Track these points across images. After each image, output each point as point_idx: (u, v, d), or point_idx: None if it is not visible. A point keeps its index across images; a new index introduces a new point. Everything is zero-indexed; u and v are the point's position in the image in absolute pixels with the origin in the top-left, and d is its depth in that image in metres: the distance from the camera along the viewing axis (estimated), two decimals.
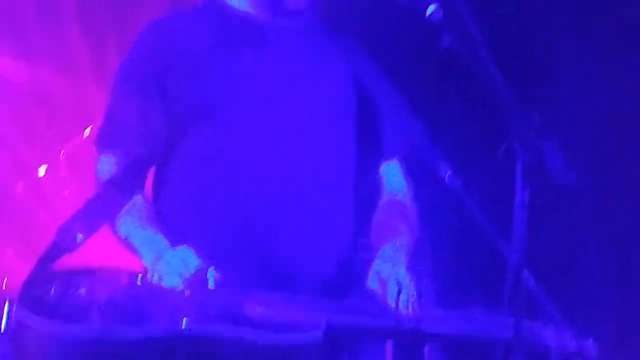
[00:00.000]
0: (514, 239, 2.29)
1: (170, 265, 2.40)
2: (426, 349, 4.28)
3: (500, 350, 2.42)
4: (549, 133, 2.37)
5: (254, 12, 2.73)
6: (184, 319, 2.34)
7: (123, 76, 2.75)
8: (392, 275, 2.49)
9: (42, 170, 4.77)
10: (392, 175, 2.82)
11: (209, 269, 2.42)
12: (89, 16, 5.15)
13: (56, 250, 2.48)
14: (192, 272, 2.40)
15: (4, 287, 3.75)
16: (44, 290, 2.40)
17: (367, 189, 2.80)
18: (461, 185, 2.63)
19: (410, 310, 2.45)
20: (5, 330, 2.41)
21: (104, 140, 2.75)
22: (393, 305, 2.45)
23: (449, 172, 2.65)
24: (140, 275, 2.46)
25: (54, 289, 2.41)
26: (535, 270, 2.39)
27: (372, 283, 2.50)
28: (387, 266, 2.52)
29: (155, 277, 2.41)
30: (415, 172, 2.84)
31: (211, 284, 2.42)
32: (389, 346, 4.01)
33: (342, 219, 2.71)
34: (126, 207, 2.63)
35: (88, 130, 4.31)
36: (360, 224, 2.76)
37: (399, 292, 2.46)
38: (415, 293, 2.48)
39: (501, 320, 2.36)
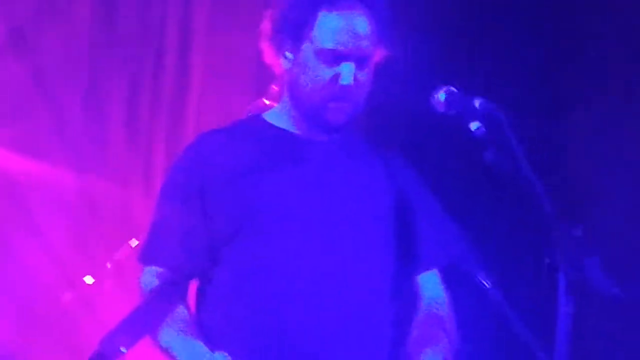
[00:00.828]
0: (556, 352, 2.27)
1: None
2: None
3: None
4: (592, 246, 2.37)
5: (297, 130, 2.75)
6: None
7: (167, 191, 2.78)
8: None
9: (89, 280, 4.78)
10: (431, 285, 2.80)
11: None
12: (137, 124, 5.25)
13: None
14: None
15: None
16: None
17: (404, 300, 2.78)
18: (502, 296, 2.60)
19: None
20: None
21: (148, 255, 2.77)
22: None
23: (489, 283, 2.63)
24: None
25: None
26: None
27: None
28: None
29: None
30: (454, 282, 2.82)
31: None
32: None
33: (380, 330, 2.69)
34: (168, 319, 2.63)
35: (134, 241, 4.32)
36: (398, 333, 2.73)
37: None
38: None
39: None
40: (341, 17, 2.63)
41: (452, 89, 2.55)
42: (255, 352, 2.58)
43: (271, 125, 2.78)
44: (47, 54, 5.09)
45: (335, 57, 2.63)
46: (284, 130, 2.76)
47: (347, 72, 2.62)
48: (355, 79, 2.63)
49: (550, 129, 4.35)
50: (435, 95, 2.56)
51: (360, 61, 2.64)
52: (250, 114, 2.93)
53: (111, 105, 5.28)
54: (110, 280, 4.76)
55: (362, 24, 2.64)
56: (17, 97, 5.07)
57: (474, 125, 2.49)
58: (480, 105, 2.52)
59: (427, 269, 2.79)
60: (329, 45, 2.62)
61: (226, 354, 2.48)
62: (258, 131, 2.78)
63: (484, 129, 2.48)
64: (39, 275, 4.90)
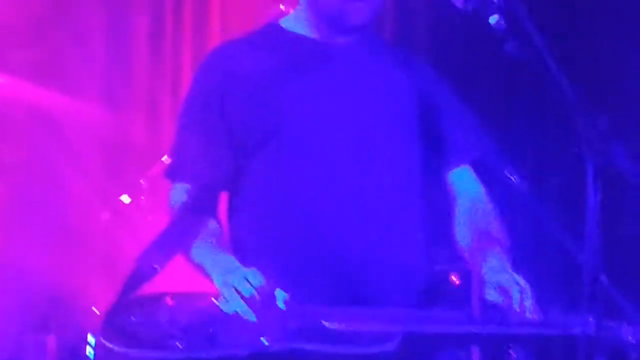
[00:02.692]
0: (587, 241, 2.26)
1: (234, 286, 2.39)
2: (512, 352, 4.25)
3: (582, 349, 2.38)
4: (618, 135, 2.35)
5: (314, 34, 2.70)
6: (263, 338, 2.34)
7: (187, 107, 2.75)
8: (514, 283, 2.45)
9: (125, 199, 4.82)
10: (467, 180, 2.77)
11: (277, 290, 2.41)
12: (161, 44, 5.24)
13: (136, 279, 2.50)
14: (255, 292, 2.38)
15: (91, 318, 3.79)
16: (125, 319, 2.42)
17: (436, 198, 2.75)
18: (528, 189, 2.59)
19: (533, 314, 2.43)
20: (92, 358, 2.43)
21: (174, 171, 2.75)
22: (518, 310, 2.42)
23: (515, 177, 2.62)
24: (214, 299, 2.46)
25: (135, 317, 2.43)
26: (611, 271, 2.35)
27: (490, 294, 2.46)
28: (504, 276, 2.48)
29: (222, 300, 2.40)
30: (482, 178, 2.80)
31: (281, 305, 2.41)
32: (475, 352, 3.98)
33: (411, 230, 2.67)
34: (198, 234, 2.63)
35: (165, 157, 4.34)
36: (431, 234, 2.72)
37: (522, 299, 2.43)
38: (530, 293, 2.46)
39: (580, 320, 2.29)
40: None
41: None
42: (290, 262, 2.57)
43: (288, 32, 2.73)
44: None
45: None
46: (301, 35, 2.71)
47: None
48: None
49: (573, 14, 4.27)
50: None
51: None
52: (267, 22, 2.87)
53: (134, 29, 5.28)
54: (145, 196, 4.80)
55: None
56: (38, 22, 5.07)
57: (492, 19, 2.43)
58: None
59: (458, 165, 2.75)
60: None
61: (257, 270, 2.45)
62: (275, 39, 2.73)
63: (503, 22, 2.42)
64: (78, 199, 4.95)
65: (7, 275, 4.87)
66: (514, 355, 4.23)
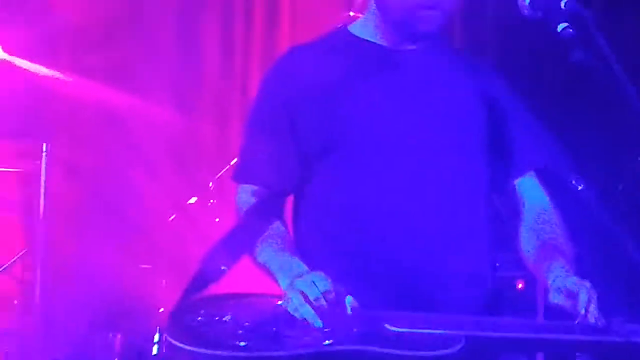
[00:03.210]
0: None
1: (301, 290, 2.39)
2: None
3: None
4: None
5: (383, 41, 2.70)
6: (327, 340, 2.34)
7: (255, 111, 2.76)
8: (582, 287, 2.42)
9: (193, 200, 4.85)
10: (532, 189, 2.73)
11: (347, 297, 2.41)
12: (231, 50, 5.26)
13: (201, 280, 2.52)
14: (322, 297, 2.38)
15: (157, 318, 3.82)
16: (191, 319, 2.43)
17: (502, 205, 2.74)
18: (594, 196, 2.56)
19: (598, 320, 2.40)
20: (157, 356, 2.45)
21: (241, 173, 2.76)
22: (583, 312, 2.39)
23: (581, 185, 2.59)
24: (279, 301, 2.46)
25: (201, 317, 2.44)
26: None
27: (556, 298, 2.44)
28: (570, 279, 2.46)
29: (288, 303, 2.40)
30: (547, 185, 2.78)
31: (348, 310, 2.41)
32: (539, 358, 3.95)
33: (478, 237, 2.65)
34: (264, 235, 2.63)
35: (234, 160, 4.38)
36: (496, 241, 2.70)
37: (589, 302, 2.40)
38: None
39: None
40: None
41: None
42: (354, 267, 2.57)
43: (357, 38, 2.72)
44: None
45: None
46: (370, 41, 2.70)
47: None
48: None
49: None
50: None
51: None
52: (335, 28, 2.88)
53: (204, 34, 5.32)
54: (214, 199, 4.83)
55: None
56: (111, 28, 5.13)
57: (560, 27, 2.41)
58: (566, 4, 2.44)
59: (523, 172, 2.72)
60: None
61: (323, 274, 2.44)
62: (344, 44, 2.72)
63: (571, 30, 2.41)
64: (147, 200, 5.00)
65: (78, 275, 4.94)
66: None
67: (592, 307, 2.40)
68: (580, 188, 2.57)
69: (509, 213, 2.75)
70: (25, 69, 5.17)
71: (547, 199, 2.73)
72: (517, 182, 2.73)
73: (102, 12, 5.07)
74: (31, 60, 5.19)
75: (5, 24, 5.14)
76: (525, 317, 2.51)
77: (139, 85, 5.15)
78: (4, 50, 5.11)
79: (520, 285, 3.42)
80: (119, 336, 4.63)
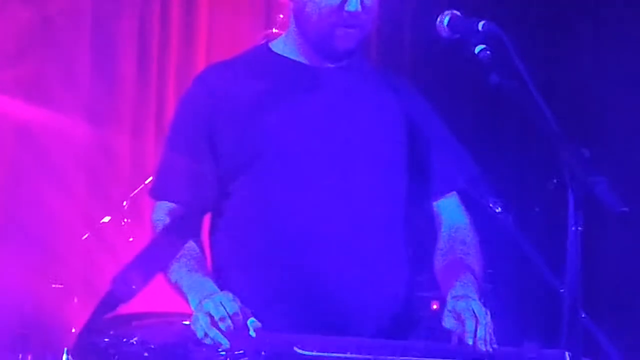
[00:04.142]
0: (567, 273, 2.25)
1: (209, 312, 2.38)
2: None
3: None
4: (599, 167, 2.35)
5: (304, 59, 2.69)
6: None
7: (174, 128, 2.74)
8: (470, 313, 2.42)
9: (106, 219, 4.81)
10: (452, 209, 2.74)
11: (249, 319, 2.39)
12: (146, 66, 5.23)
13: (111, 300, 2.48)
14: (229, 319, 2.37)
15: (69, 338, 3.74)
16: (97, 339, 2.40)
17: (421, 226, 2.74)
18: (512, 220, 2.58)
19: (487, 346, 2.39)
20: None
21: (158, 190, 2.73)
22: (470, 342, 2.39)
23: (499, 207, 2.61)
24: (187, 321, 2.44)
25: (108, 338, 2.41)
26: (592, 306, 2.34)
27: (447, 322, 2.43)
28: (461, 303, 2.45)
29: (195, 324, 2.38)
30: (467, 206, 2.79)
31: (252, 334, 2.39)
32: None
33: (395, 257, 2.64)
34: (178, 255, 2.60)
35: (149, 179, 4.35)
36: (416, 261, 2.70)
37: (476, 330, 2.40)
38: (492, 328, 2.43)
39: (557, 356, 2.30)
40: None
41: (456, 12, 2.48)
42: (261, 284, 2.56)
43: (277, 55, 2.72)
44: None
45: None
46: (290, 59, 2.70)
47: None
48: (362, 5, 2.58)
49: (557, 48, 4.29)
50: (439, 20, 2.49)
51: None
52: (257, 45, 2.87)
53: (119, 49, 5.27)
54: (127, 218, 4.78)
55: None
56: (24, 41, 5.06)
57: (478, 48, 2.43)
58: (483, 27, 2.44)
59: (444, 194, 2.73)
60: None
61: (231, 295, 2.43)
62: (265, 62, 2.72)
63: (488, 52, 2.42)
64: (59, 219, 4.93)
65: None
66: None
67: (481, 334, 2.39)
68: (498, 210, 2.59)
69: (428, 233, 2.75)
70: None
71: (465, 219, 2.73)
72: (437, 203, 2.73)
73: (14, 25, 5.00)
74: None
75: None
76: (439, 339, 2.49)
77: (51, 100, 5.09)
78: None
79: (435, 306, 3.41)
80: (29, 357, 4.55)
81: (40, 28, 5.08)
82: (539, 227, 2.60)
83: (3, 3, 5.01)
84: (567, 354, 2.32)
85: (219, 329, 2.36)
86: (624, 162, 3.03)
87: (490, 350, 2.39)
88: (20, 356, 4.56)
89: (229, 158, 2.62)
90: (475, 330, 2.39)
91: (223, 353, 2.37)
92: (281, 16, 2.86)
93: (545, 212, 2.63)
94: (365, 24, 2.62)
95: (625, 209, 2.30)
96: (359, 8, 2.57)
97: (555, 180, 2.37)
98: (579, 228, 2.28)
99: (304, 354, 2.36)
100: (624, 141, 3.93)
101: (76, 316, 4.52)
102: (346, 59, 2.69)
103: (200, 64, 5.20)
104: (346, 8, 2.56)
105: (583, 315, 2.27)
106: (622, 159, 3.16)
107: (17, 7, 5.01)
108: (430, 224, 2.74)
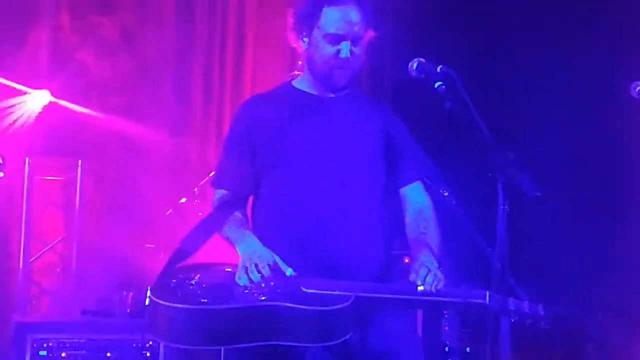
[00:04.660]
0: (497, 242, 2.22)
1: (255, 262, 2.42)
2: (445, 313, 4.17)
3: (491, 314, 2.35)
4: (520, 165, 2.32)
5: (314, 91, 2.67)
6: (262, 297, 2.34)
7: (227, 139, 2.73)
8: (422, 266, 2.43)
9: (183, 200, 4.79)
10: (417, 193, 2.69)
11: (285, 266, 2.42)
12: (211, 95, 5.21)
13: (180, 254, 2.47)
14: (267, 268, 2.40)
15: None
16: (169, 281, 2.42)
17: (394, 205, 2.70)
18: (455, 202, 2.55)
19: (433, 287, 2.40)
20: (147, 305, 2.43)
21: (216, 181, 2.73)
22: (420, 283, 2.39)
23: (446, 193, 2.57)
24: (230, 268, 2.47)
25: (176, 280, 2.42)
26: (514, 264, 2.31)
27: (410, 277, 2.43)
28: (417, 262, 2.46)
29: (241, 268, 2.42)
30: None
31: (289, 273, 2.42)
32: (419, 313, 3.90)
33: (374, 227, 2.62)
34: (228, 220, 2.61)
35: (212, 173, 4.33)
36: (390, 230, 2.67)
37: (426, 275, 2.40)
38: (440, 277, 2.42)
39: (480, 295, 2.38)
40: (339, 10, 2.55)
41: (421, 59, 2.47)
42: (287, 247, 2.53)
43: (296, 89, 2.70)
44: (146, 46, 5.07)
45: (336, 39, 2.55)
46: (305, 91, 2.68)
47: (345, 48, 2.55)
48: (351, 53, 2.55)
49: (491, 80, 4.25)
50: (410, 64, 2.47)
51: (354, 40, 2.56)
52: (284, 82, 2.85)
53: (192, 84, 5.27)
54: (197, 200, 4.77)
55: (354, 14, 2.56)
56: (126, 78, 5.07)
57: (437, 84, 2.42)
58: (440, 69, 2.44)
59: (410, 182, 2.69)
60: (331, 30, 2.55)
61: (271, 252, 2.47)
62: (288, 94, 2.70)
63: (444, 87, 2.41)
64: (152, 200, 4.92)
65: (102, 251, 4.85)
66: (446, 315, 4.17)
67: (429, 280, 2.39)
68: (445, 195, 2.55)
69: (400, 211, 2.72)
70: (67, 108, 5.07)
71: (427, 201, 2.68)
72: (404, 189, 2.69)
73: (122, 66, 5.00)
74: (71, 101, 5.09)
75: (53, 77, 5.00)
76: (408, 284, 2.46)
77: (145, 119, 5.11)
78: (52, 95, 5.01)
79: (407, 260, 3.36)
80: (131, 294, 4.54)
81: (138, 68, 5.08)
82: (477, 208, 2.55)
83: (112, 53, 5.01)
84: (487, 292, 2.35)
85: (260, 272, 2.39)
86: (537, 161, 2.99)
87: (434, 290, 2.39)
88: (125, 292, 4.54)
89: (262, 161, 2.61)
90: (425, 277, 2.39)
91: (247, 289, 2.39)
92: (300, 62, 2.82)
93: (482, 198, 2.58)
94: (355, 65, 2.60)
95: (539, 194, 2.29)
96: (349, 55, 2.55)
97: (489, 175, 2.31)
98: (506, 208, 2.26)
99: (307, 292, 2.37)
100: (537, 146, 3.89)
101: (161, 266, 4.51)
102: (343, 91, 2.66)
103: (246, 94, 5.18)
104: (340, 55, 2.55)
105: (505, 268, 2.25)
106: (535, 159, 3.11)
107: (122, 55, 5.01)
108: (401, 204, 2.71)
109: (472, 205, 2.55)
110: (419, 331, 3.80)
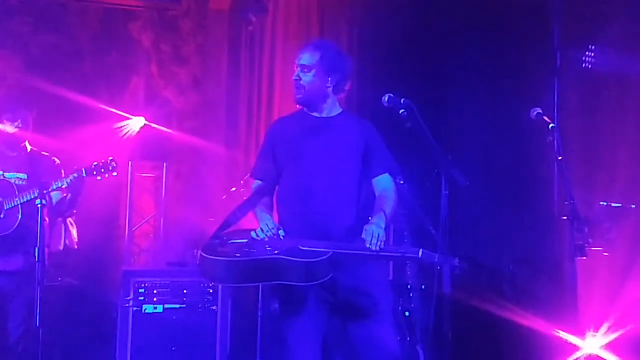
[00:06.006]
0: (440, 218, 2.21)
1: (261, 226, 2.46)
2: (408, 262, 4.13)
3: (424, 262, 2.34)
4: (456, 163, 2.30)
5: (318, 114, 2.67)
6: (275, 251, 2.36)
7: (262, 146, 2.74)
8: (372, 227, 2.39)
9: (233, 189, 4.77)
10: (384, 182, 2.63)
11: (280, 230, 2.44)
12: (252, 122, 5.18)
13: (227, 223, 2.49)
14: (272, 230, 2.43)
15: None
16: (215, 242, 2.43)
17: (367, 190, 2.66)
18: (408, 188, 2.54)
19: (377, 244, 2.36)
20: (198, 260, 2.46)
21: (253, 173, 2.74)
22: (368, 241, 2.36)
23: (402, 181, 2.56)
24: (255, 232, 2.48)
25: (220, 242, 2.43)
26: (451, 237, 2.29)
27: (363, 234, 2.41)
28: (371, 225, 2.42)
29: (258, 232, 2.45)
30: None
31: (281, 236, 2.44)
32: (391, 264, 3.86)
33: (352, 205, 2.59)
34: (260, 203, 2.61)
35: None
36: (363, 207, 2.63)
37: (372, 235, 2.36)
38: (382, 237, 2.37)
39: (414, 251, 2.35)
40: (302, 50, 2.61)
41: (391, 94, 2.45)
42: (294, 218, 2.54)
43: (306, 113, 2.68)
44: (208, 88, 5.06)
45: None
46: (312, 115, 2.67)
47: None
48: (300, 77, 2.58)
49: (438, 103, 4.17)
50: (383, 98, 2.46)
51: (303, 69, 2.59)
52: (299, 109, 2.82)
53: (239, 107, 5.25)
54: (243, 189, 4.73)
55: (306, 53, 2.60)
56: (191, 102, 5.04)
57: (401, 112, 2.41)
58: (404, 101, 2.44)
59: (377, 174, 2.63)
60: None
61: (275, 222, 2.49)
62: (301, 117, 2.69)
63: (406, 113, 2.40)
64: (212, 189, 4.90)
65: (180, 225, 4.83)
66: (409, 263, 4.13)
67: (374, 241, 2.34)
68: (402, 183, 2.54)
69: (369, 194, 2.67)
70: (156, 129, 5.06)
71: (390, 186, 2.62)
72: (375, 179, 2.64)
73: (193, 101, 4.99)
74: (159, 124, 5.08)
75: (147, 108, 5.00)
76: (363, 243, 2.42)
77: (206, 134, 5.11)
78: (147, 120, 5.00)
79: None
80: (199, 252, 4.50)
81: (203, 102, 5.06)
82: (426, 194, 2.53)
83: (186, 92, 5.00)
84: (420, 250, 2.30)
85: (265, 233, 2.42)
86: (465, 162, 2.95)
87: (378, 249, 2.36)
88: (195, 250, 4.53)
89: (281, 161, 2.61)
90: (371, 238, 2.36)
91: (268, 248, 2.39)
92: None
93: (430, 186, 2.56)
94: (302, 91, 2.59)
95: (467, 183, 2.27)
96: (298, 78, 2.59)
97: (435, 171, 2.28)
98: (446, 193, 2.24)
99: (303, 249, 2.36)
100: (466, 151, 3.84)
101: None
102: (316, 110, 2.63)
103: (275, 116, 5.15)
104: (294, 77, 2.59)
105: (441, 233, 2.23)
106: (464, 160, 3.08)
107: (192, 94, 5.00)
108: (372, 189, 2.66)
109: (422, 191, 2.54)
110: (390, 275, 3.79)
